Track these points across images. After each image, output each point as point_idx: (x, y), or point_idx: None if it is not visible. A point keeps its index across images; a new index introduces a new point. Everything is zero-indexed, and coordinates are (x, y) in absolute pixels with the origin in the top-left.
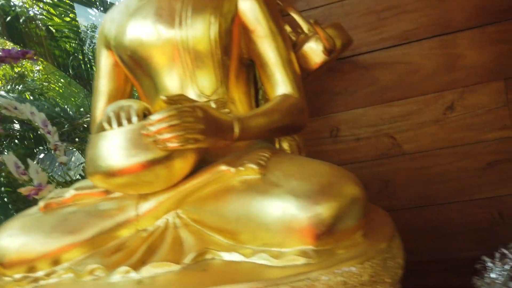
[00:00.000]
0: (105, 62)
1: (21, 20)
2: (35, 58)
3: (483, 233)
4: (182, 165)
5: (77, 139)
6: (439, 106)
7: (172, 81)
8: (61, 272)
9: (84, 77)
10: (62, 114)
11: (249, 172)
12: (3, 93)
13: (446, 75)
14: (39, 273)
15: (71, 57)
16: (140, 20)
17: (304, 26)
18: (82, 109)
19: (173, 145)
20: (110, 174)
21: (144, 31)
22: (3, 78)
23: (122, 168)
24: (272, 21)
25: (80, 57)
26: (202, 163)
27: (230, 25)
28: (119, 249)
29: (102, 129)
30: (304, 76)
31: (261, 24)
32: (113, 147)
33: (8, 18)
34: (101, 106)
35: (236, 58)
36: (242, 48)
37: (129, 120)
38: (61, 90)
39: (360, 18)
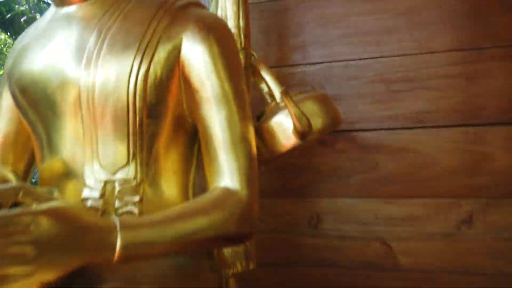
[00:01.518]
0: (6, 96)
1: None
2: None
3: None
4: None
5: None
6: (453, 217)
7: (67, 143)
8: None
9: None
10: None
11: None
12: None
13: (467, 178)
14: None
15: None
16: (39, 48)
17: (276, 92)
18: None
19: None
20: None
21: (38, 63)
22: None
23: None
24: (226, 78)
25: None
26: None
27: (165, 77)
28: None
29: None
30: (268, 158)
31: (210, 80)
32: None
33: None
34: None
35: (171, 123)
36: (184, 109)
37: None
38: None
39: (366, 85)
